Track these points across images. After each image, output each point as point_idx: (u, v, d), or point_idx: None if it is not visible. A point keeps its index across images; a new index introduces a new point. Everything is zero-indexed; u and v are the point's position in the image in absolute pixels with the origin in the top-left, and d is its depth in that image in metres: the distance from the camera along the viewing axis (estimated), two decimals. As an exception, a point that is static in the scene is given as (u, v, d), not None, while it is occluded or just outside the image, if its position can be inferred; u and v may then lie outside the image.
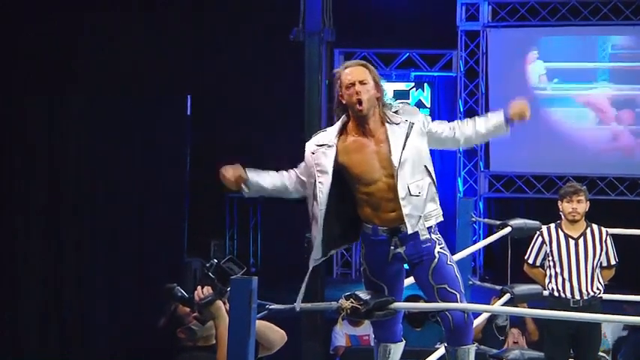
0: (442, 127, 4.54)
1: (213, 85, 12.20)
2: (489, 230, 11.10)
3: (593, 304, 6.69)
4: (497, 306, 6.06)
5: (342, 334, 9.37)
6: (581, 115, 12.78)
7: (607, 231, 6.86)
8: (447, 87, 13.37)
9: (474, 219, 7.29)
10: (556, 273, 6.77)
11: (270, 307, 3.87)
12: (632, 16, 12.46)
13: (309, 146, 4.46)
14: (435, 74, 13.36)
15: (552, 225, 6.89)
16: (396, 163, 4.33)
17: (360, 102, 4.37)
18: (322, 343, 9.26)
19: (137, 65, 11.74)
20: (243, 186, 4.53)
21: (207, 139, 11.82)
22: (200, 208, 11.98)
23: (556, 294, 6.74)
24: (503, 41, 12.95)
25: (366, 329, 8.99)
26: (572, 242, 6.79)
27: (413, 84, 13.29)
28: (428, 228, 4.40)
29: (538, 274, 6.91)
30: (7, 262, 10.87)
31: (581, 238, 6.80)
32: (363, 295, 4.19)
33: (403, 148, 4.35)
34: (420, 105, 12.95)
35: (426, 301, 4.69)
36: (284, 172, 4.54)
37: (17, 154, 10.99)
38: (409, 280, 4.68)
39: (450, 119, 4.66)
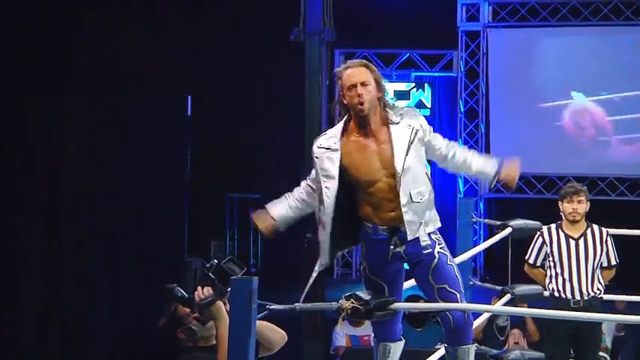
0: (441, 144, 4.54)
1: (213, 85, 12.21)
2: (490, 231, 11.11)
3: (594, 305, 6.68)
4: (498, 306, 6.06)
5: (342, 335, 9.36)
6: (582, 115, 12.77)
7: (607, 231, 6.86)
8: (448, 87, 13.38)
9: (474, 219, 7.29)
10: (556, 273, 6.77)
11: (271, 307, 3.86)
12: (632, 16, 12.46)
13: (314, 150, 4.45)
14: (436, 74, 13.37)
15: (553, 225, 6.88)
16: (399, 169, 4.34)
17: (361, 104, 4.37)
18: (323, 344, 9.26)
19: (137, 65, 11.75)
20: (275, 228, 4.57)
21: (207, 139, 11.82)
22: (200, 208, 11.98)
23: (556, 294, 6.73)
24: (503, 42, 12.96)
25: (366, 329, 8.99)
26: (572, 243, 6.78)
27: (413, 84, 13.29)
28: (428, 234, 4.42)
29: (538, 275, 6.91)
30: (7, 262, 10.87)
31: (582, 239, 6.79)
32: (364, 295, 4.19)
33: (406, 154, 4.36)
34: (420, 105, 12.96)
35: (426, 301, 4.70)
36: (299, 190, 4.57)
37: (17, 154, 10.98)
38: (409, 282, 4.68)
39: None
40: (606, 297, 6.85)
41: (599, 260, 6.77)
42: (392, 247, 4.41)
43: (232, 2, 12.49)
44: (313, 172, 4.51)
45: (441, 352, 4.86)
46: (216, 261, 3.94)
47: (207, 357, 4.00)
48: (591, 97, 12.72)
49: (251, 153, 12.49)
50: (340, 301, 4.15)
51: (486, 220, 9.83)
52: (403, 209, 4.34)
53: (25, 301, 10.83)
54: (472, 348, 4.53)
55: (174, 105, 11.20)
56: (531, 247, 6.94)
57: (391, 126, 4.40)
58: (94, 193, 11.02)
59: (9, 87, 11.11)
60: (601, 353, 7.45)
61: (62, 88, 11.25)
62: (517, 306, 6.14)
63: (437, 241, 4.45)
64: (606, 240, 6.82)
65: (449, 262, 4.46)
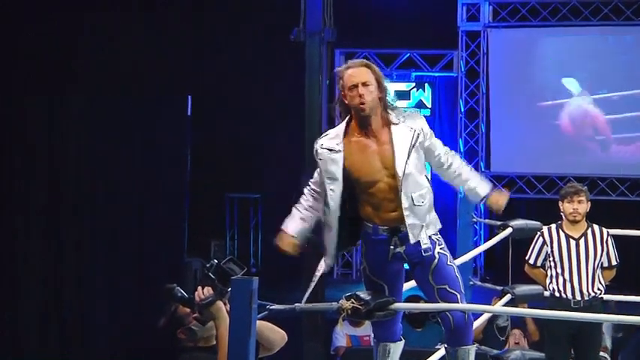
0: (440, 150, 4.54)
1: (213, 85, 12.20)
2: (490, 231, 11.10)
3: (594, 305, 6.68)
4: (498, 306, 6.06)
5: (342, 335, 9.36)
6: (582, 115, 12.77)
7: (608, 231, 6.85)
8: (448, 87, 13.36)
9: (474, 219, 7.29)
10: (557, 273, 6.76)
11: (271, 307, 3.86)
12: (633, 16, 12.45)
13: (317, 151, 4.44)
14: (436, 74, 13.35)
15: (553, 225, 6.88)
16: (400, 172, 4.34)
17: (362, 104, 4.36)
18: (323, 344, 9.27)
19: (137, 65, 11.74)
20: (298, 245, 4.60)
21: (207, 139, 11.81)
22: (200, 208, 11.97)
23: (557, 294, 6.73)
24: (504, 41, 12.94)
25: (366, 330, 8.99)
26: (573, 243, 6.78)
27: (414, 84, 13.27)
28: (429, 236, 4.42)
29: (539, 275, 6.90)
30: (7, 262, 10.87)
31: (582, 239, 6.79)
32: (364, 295, 4.19)
33: (408, 157, 4.36)
34: (420, 105, 12.95)
35: (426, 302, 4.69)
36: (305, 198, 4.57)
37: (17, 154, 10.99)
38: (409, 283, 4.67)
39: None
40: (606, 297, 6.85)
41: (600, 260, 6.77)
42: (392, 247, 4.41)
43: (232, 2, 12.48)
44: (315, 174, 4.50)
45: (441, 352, 4.86)
46: (216, 261, 3.93)
47: (208, 357, 4.00)
48: (592, 96, 12.71)
49: (251, 153, 12.48)
50: (340, 301, 4.15)
51: (487, 221, 9.78)
52: (405, 213, 4.34)
53: (25, 301, 10.84)
54: (472, 348, 4.53)
55: (174, 105, 11.21)
56: (532, 247, 6.94)
57: (392, 127, 4.40)
58: (94, 193, 11.03)
59: (9, 87, 11.11)
60: (601, 353, 7.44)
61: (62, 88, 11.25)
62: (517, 306, 6.14)
63: (437, 242, 4.45)
64: (607, 240, 6.81)
65: (449, 263, 4.46)
